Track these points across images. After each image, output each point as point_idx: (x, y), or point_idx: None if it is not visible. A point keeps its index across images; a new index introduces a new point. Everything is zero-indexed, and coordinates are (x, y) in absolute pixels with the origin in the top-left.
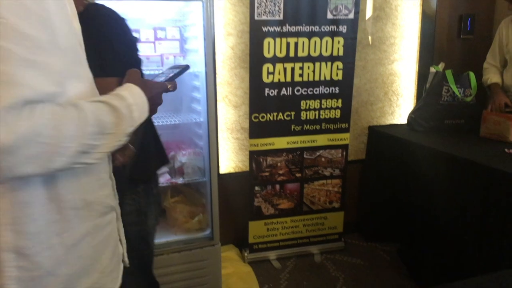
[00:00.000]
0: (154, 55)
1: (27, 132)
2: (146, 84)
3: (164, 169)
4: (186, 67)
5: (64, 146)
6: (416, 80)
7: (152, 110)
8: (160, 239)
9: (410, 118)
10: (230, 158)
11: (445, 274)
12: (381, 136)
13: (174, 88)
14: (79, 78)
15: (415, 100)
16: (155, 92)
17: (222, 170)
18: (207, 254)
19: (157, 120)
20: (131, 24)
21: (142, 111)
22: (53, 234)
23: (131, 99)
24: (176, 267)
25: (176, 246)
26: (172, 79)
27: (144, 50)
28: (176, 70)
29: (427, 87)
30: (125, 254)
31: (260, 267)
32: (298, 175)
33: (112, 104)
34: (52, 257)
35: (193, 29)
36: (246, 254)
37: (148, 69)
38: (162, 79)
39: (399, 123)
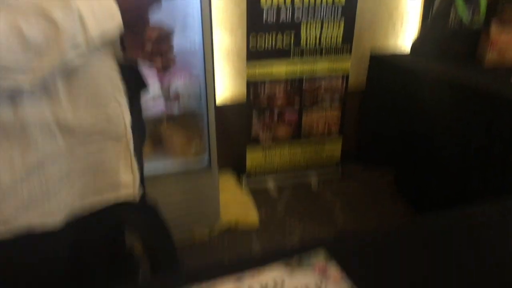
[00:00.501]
0: None
1: None
2: None
3: (159, 96)
4: None
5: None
6: (422, 3)
7: (131, 20)
8: (157, 165)
9: (413, 45)
10: (227, 87)
11: (446, 204)
12: (382, 63)
13: None
14: None
15: (420, 25)
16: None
17: (219, 99)
18: (205, 180)
19: None
20: None
21: (105, 18)
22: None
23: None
24: (174, 193)
25: (173, 172)
26: None
27: None
28: None
29: (433, 11)
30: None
31: (258, 194)
32: (296, 104)
33: (47, 13)
34: (13, 176)
35: None
36: (244, 181)
37: None
38: None
39: (402, 49)
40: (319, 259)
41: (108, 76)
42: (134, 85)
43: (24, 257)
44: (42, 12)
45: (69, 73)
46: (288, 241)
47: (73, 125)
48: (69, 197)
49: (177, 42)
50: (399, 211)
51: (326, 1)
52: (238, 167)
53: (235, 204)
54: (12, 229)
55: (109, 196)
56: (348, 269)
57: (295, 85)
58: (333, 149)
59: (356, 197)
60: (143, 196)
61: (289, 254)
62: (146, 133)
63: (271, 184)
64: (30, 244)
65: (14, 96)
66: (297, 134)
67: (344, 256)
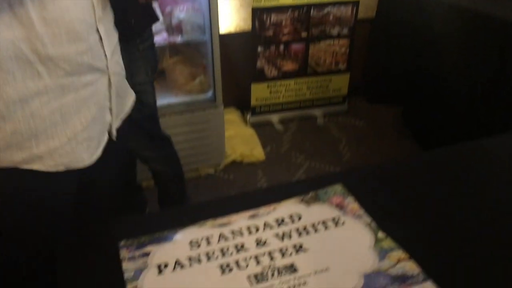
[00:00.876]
0: None
1: None
2: None
3: (160, 26)
4: None
5: None
6: None
7: None
8: (161, 101)
9: None
10: (231, 16)
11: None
12: None
13: None
14: None
15: None
16: None
17: (223, 29)
18: (210, 116)
19: None
20: None
21: None
22: None
23: None
24: (179, 129)
25: (177, 108)
26: None
27: None
28: None
29: None
30: (114, 126)
31: (263, 130)
32: (303, 34)
33: None
34: None
35: None
36: (248, 117)
37: None
38: None
39: None
40: (336, 193)
41: (85, 7)
42: (146, 19)
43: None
44: None
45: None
46: (294, 175)
47: (56, 57)
48: (58, 140)
49: None
50: (405, 147)
51: None
52: (242, 103)
53: (240, 139)
54: None
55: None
56: (365, 203)
57: (303, 13)
58: (340, 84)
59: (362, 132)
60: (159, 128)
61: (304, 189)
62: (157, 66)
63: (276, 120)
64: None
65: None
66: (304, 68)
67: (361, 191)
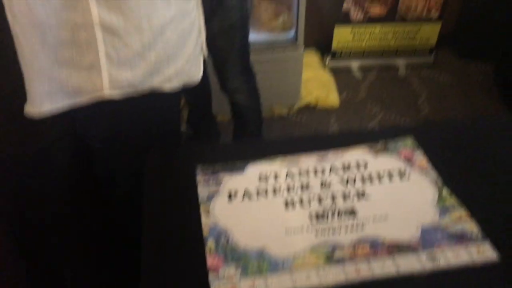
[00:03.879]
0: None
1: None
2: None
3: None
4: None
5: None
6: None
7: None
8: None
9: None
10: None
11: None
12: None
13: None
14: None
15: None
16: None
17: None
18: (289, 57)
19: None
20: None
21: None
22: (144, 17)
23: None
24: (258, 67)
25: (258, 45)
26: None
27: None
28: None
29: None
30: (205, 44)
31: (341, 75)
32: None
33: None
34: (141, 40)
35: None
36: (327, 60)
37: None
38: None
39: None
40: (406, 146)
41: None
42: None
43: (145, 114)
44: None
45: None
46: (366, 126)
47: None
48: (180, 61)
49: None
50: (492, 109)
51: None
52: (323, 46)
53: (317, 83)
54: (138, 92)
55: None
56: (434, 159)
57: None
58: (429, 33)
59: (446, 87)
60: (249, 58)
61: (375, 138)
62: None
63: (355, 66)
64: (149, 102)
65: None
66: (392, 13)
67: (431, 146)
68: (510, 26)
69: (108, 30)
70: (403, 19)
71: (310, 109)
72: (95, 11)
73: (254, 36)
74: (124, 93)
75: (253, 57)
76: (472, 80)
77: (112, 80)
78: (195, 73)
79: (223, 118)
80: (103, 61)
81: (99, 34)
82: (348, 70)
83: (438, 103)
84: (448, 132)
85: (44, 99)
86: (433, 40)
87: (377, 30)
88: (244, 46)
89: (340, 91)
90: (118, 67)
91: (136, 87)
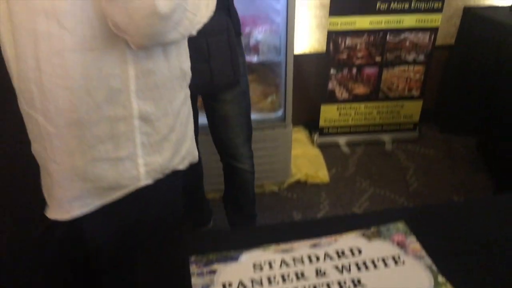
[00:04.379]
0: None
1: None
2: None
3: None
4: None
5: (196, 14)
6: None
7: None
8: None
9: None
10: (306, 37)
11: None
12: (477, 19)
13: None
14: None
15: None
16: None
17: (297, 50)
18: (278, 135)
19: None
20: None
21: None
22: (168, 101)
23: None
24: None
25: None
26: None
27: None
28: None
29: None
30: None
31: (329, 151)
32: (378, 59)
33: None
34: (167, 123)
35: None
36: (315, 137)
37: None
38: None
39: (501, 4)
40: (398, 231)
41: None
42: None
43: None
44: None
45: None
46: (357, 201)
47: (186, 71)
48: (188, 141)
49: None
50: (478, 182)
51: None
52: (310, 123)
53: (306, 159)
54: (164, 172)
55: None
56: (427, 244)
57: (378, 38)
58: (412, 110)
59: (432, 162)
60: (252, 128)
61: (367, 222)
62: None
63: (343, 142)
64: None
65: (165, 48)
66: (376, 92)
67: (424, 230)
68: (488, 103)
69: (144, 119)
70: (386, 97)
71: (300, 184)
72: (135, 103)
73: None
74: (154, 180)
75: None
76: (457, 153)
77: (147, 168)
78: (196, 152)
79: (214, 195)
80: (139, 151)
81: (136, 124)
82: (336, 146)
83: (426, 177)
84: (438, 215)
85: (75, 202)
86: (416, 116)
87: (362, 107)
88: (250, 111)
89: (329, 166)
90: (149, 154)
91: (164, 171)
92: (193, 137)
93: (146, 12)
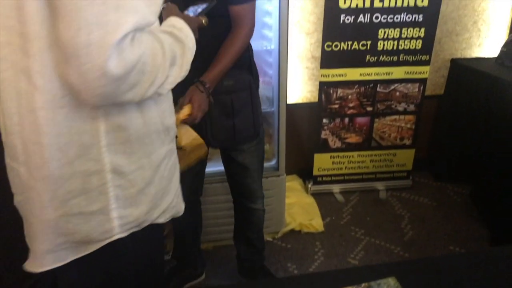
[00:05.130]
0: None
1: (135, 61)
2: (184, 18)
3: None
4: (212, 2)
5: (157, 76)
6: None
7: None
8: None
9: (501, 52)
10: (299, 88)
11: None
12: (465, 71)
13: (207, 22)
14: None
15: (508, 32)
16: (193, 27)
17: (290, 100)
18: (272, 184)
19: None
20: None
21: (193, 43)
22: (144, 155)
23: (186, 30)
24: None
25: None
26: (201, 14)
27: None
28: (204, 6)
29: None
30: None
31: (323, 199)
32: (369, 109)
33: (178, 36)
34: (143, 176)
35: None
36: (309, 186)
37: None
38: (191, 14)
39: (487, 56)
40: (389, 287)
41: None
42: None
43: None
44: (172, 31)
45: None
46: (352, 251)
47: (170, 126)
48: (171, 195)
49: (254, 40)
50: (472, 230)
51: (408, 3)
52: (304, 172)
53: (300, 208)
54: (142, 225)
55: None
56: None
57: (369, 89)
58: (405, 159)
59: (426, 210)
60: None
61: (358, 278)
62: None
63: (337, 190)
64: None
65: (141, 104)
66: (368, 141)
67: (415, 286)
68: (481, 151)
69: (117, 172)
70: (379, 146)
71: (295, 233)
72: (107, 157)
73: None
74: (129, 233)
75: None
76: (451, 201)
77: (122, 221)
78: (181, 206)
79: (208, 246)
80: (112, 204)
81: (109, 178)
82: (330, 194)
83: (421, 226)
84: (430, 270)
85: (48, 255)
86: (409, 164)
87: (355, 156)
88: (264, 156)
89: (323, 215)
90: (124, 206)
91: (141, 224)
92: (179, 191)
93: (97, 73)
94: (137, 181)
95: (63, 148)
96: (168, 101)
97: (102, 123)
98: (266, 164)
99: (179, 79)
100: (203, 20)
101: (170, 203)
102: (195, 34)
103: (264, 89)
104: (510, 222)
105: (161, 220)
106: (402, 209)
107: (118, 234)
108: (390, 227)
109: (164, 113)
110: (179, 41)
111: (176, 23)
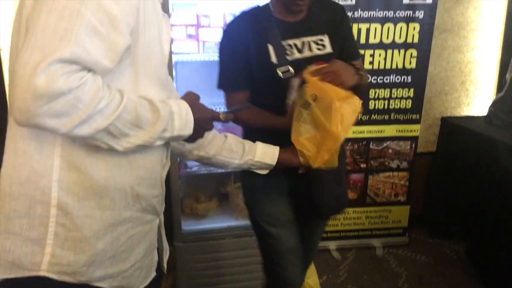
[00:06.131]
0: None
1: (66, 90)
2: (196, 105)
3: None
4: (247, 107)
5: (94, 118)
6: (498, 70)
7: (198, 131)
8: (222, 223)
9: (489, 111)
10: None
11: None
12: (455, 129)
13: (227, 119)
14: (147, 87)
15: (495, 91)
16: (203, 116)
17: None
18: None
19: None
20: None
21: (185, 125)
22: (97, 207)
23: (175, 108)
24: (237, 252)
25: (237, 231)
26: (230, 112)
27: (213, 35)
28: (238, 107)
29: (507, 78)
30: (163, 263)
31: (320, 257)
32: (363, 166)
33: (155, 104)
34: (91, 227)
35: None
36: None
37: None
38: (221, 111)
39: (476, 115)
40: None
41: (159, 165)
42: None
43: None
44: (153, 101)
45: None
46: None
47: (141, 195)
48: (126, 264)
49: None
50: (471, 287)
51: (397, 65)
52: None
53: None
54: (75, 277)
55: None
56: None
57: (362, 146)
58: (400, 215)
59: (424, 268)
60: None
61: None
62: None
63: (333, 247)
64: None
65: (107, 159)
66: (362, 197)
67: None
68: (476, 208)
69: (63, 210)
70: (374, 202)
71: None
72: (55, 192)
73: (232, 222)
74: (60, 279)
75: (232, 243)
76: (448, 259)
77: (53, 260)
78: (136, 283)
79: None
80: (50, 239)
81: (53, 213)
82: (326, 251)
83: (418, 284)
84: None
85: None
86: (405, 221)
87: (350, 212)
88: None
89: (320, 273)
90: (62, 247)
91: (74, 274)
92: (141, 266)
93: (23, 87)
94: (83, 228)
95: (16, 168)
96: (149, 171)
97: (57, 158)
98: None
99: (143, 144)
100: (221, 115)
101: (123, 272)
102: (205, 124)
103: None
104: (506, 280)
105: (104, 285)
106: (399, 266)
107: (45, 272)
108: (387, 286)
109: (137, 180)
110: (154, 111)
111: (169, 101)
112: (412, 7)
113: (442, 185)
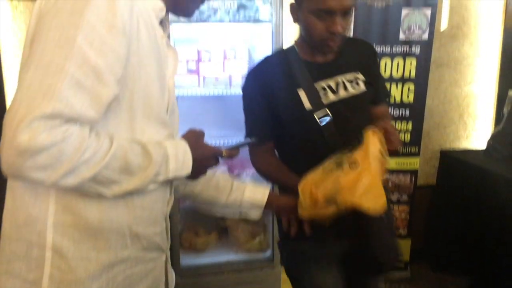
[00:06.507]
0: (222, 75)
1: (49, 144)
2: (197, 144)
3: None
4: (249, 141)
5: (80, 169)
6: (496, 103)
7: (198, 170)
8: (221, 258)
9: (488, 144)
10: None
11: None
12: (454, 162)
13: (230, 155)
14: (145, 128)
15: (493, 124)
16: (204, 155)
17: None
18: (267, 276)
19: (223, 140)
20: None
21: (182, 166)
22: (92, 249)
23: (171, 150)
24: (236, 286)
25: (236, 266)
26: (232, 148)
27: (213, 70)
28: (240, 142)
29: (504, 112)
30: None
31: None
32: None
33: (147, 149)
34: (86, 268)
35: (261, 49)
36: None
37: (217, 89)
38: (224, 147)
39: (475, 148)
40: None
41: (163, 200)
42: None
43: None
44: (146, 146)
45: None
46: None
47: (141, 235)
48: None
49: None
50: None
51: (395, 99)
52: None
53: None
54: None
55: None
56: None
57: None
58: (402, 249)
59: None
60: None
61: None
62: None
63: None
64: None
65: (101, 201)
66: None
67: None
68: (478, 242)
69: (58, 252)
70: None
71: None
72: (50, 236)
73: (231, 256)
74: None
75: (232, 277)
76: None
77: None
78: None
79: None
80: (45, 281)
81: (48, 256)
82: None
83: None
84: None
85: None
86: (406, 255)
87: None
88: None
89: None
90: None
91: None
92: None
93: (8, 144)
94: (78, 270)
95: (15, 213)
96: (147, 210)
97: (52, 202)
98: (260, 255)
99: (134, 189)
100: (224, 152)
101: None
102: (206, 162)
103: (260, 179)
104: None
105: None
106: None
107: None
108: None
109: (135, 220)
110: (146, 156)
111: (165, 142)
112: (408, 42)
113: (443, 218)
